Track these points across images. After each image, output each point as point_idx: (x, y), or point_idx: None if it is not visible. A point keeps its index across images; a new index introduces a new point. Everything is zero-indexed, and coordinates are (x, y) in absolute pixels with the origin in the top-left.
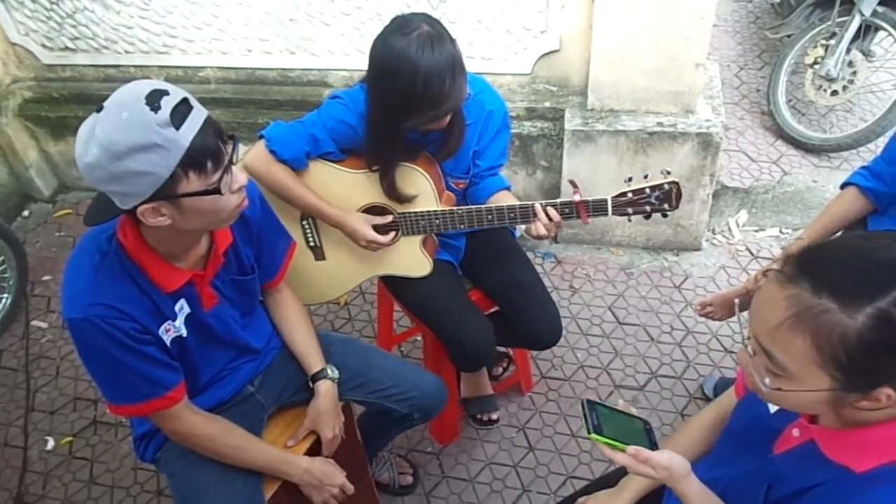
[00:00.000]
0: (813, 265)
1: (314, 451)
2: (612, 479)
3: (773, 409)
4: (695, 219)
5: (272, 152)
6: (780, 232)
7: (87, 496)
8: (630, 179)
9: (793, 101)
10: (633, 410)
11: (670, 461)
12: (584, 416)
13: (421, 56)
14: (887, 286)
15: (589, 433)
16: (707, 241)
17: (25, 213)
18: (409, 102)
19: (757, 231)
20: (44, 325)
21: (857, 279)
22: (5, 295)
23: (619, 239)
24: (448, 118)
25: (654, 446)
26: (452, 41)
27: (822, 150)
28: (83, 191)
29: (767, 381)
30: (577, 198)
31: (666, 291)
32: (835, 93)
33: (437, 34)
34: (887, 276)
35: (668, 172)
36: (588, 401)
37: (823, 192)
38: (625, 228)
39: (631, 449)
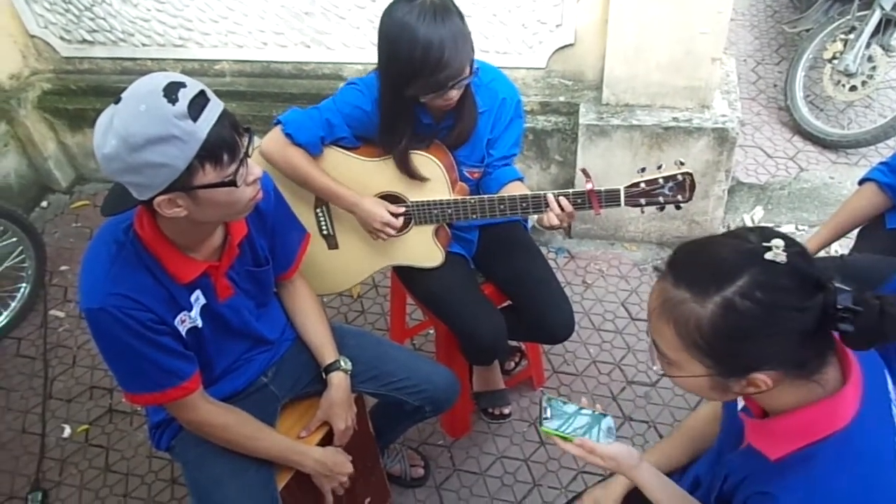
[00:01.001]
0: (677, 260)
1: (326, 442)
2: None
3: (740, 404)
4: (709, 215)
5: (288, 136)
6: (797, 229)
7: (103, 483)
8: (643, 170)
9: (810, 97)
10: (599, 407)
11: (616, 452)
12: (540, 410)
13: (421, 24)
14: (733, 276)
15: (540, 425)
16: None
17: (44, 203)
18: (409, 69)
19: (772, 227)
20: (61, 314)
21: (707, 270)
22: (24, 284)
23: (633, 234)
24: (455, 94)
25: (610, 440)
26: (459, 14)
27: (839, 146)
28: (100, 182)
29: (655, 367)
30: (589, 186)
31: None
32: (853, 88)
33: (441, 5)
34: (734, 266)
35: (682, 163)
36: (547, 397)
37: (841, 189)
38: (638, 224)
39: (577, 440)
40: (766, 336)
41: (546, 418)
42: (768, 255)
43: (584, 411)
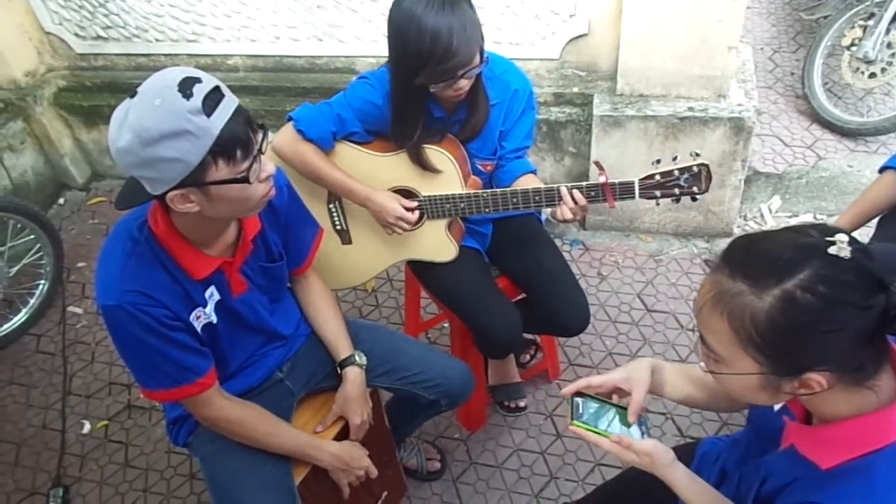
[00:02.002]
0: (733, 252)
1: (343, 436)
2: (637, 473)
3: (776, 406)
4: (726, 205)
5: (299, 132)
6: (815, 218)
7: (123, 478)
8: (658, 161)
9: (829, 84)
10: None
11: (652, 448)
12: (572, 406)
13: (429, 13)
14: (794, 269)
15: (571, 420)
16: (739, 227)
17: (61, 200)
18: (418, 59)
19: (790, 217)
20: (79, 310)
21: (767, 262)
22: (42, 281)
23: (648, 225)
24: (465, 83)
25: (644, 436)
26: (468, 1)
27: (858, 134)
28: (116, 179)
29: (703, 364)
30: (602, 179)
31: (696, 279)
32: (873, 75)
33: None
34: (795, 259)
35: (698, 154)
36: (578, 393)
37: (860, 178)
38: (654, 215)
39: (614, 436)
40: (825, 333)
41: (579, 414)
42: (832, 249)
43: (618, 408)
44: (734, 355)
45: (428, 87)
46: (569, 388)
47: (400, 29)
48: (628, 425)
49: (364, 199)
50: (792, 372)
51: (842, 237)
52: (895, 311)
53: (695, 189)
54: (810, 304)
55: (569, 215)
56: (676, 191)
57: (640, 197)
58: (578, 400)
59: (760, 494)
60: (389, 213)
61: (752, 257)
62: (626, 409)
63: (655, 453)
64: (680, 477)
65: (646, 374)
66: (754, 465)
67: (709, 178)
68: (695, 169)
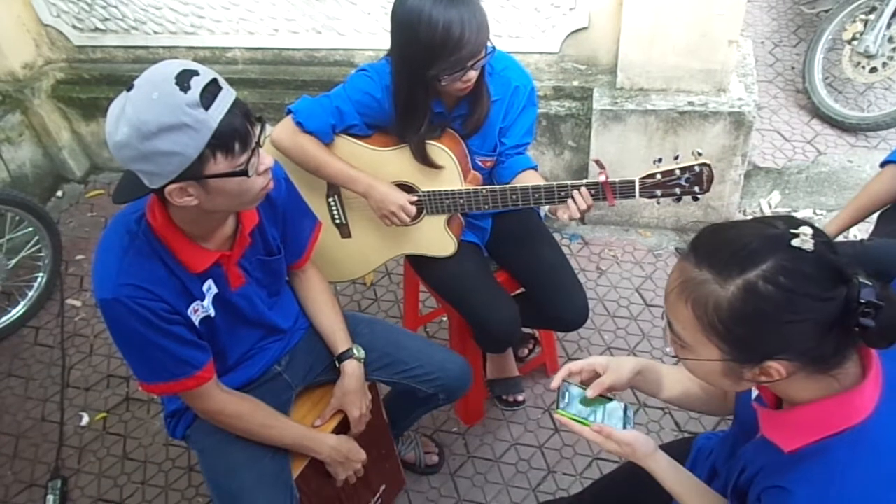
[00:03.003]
0: (700, 241)
1: (341, 430)
2: (634, 468)
3: (754, 393)
4: (725, 200)
5: (298, 124)
6: (814, 213)
7: (121, 471)
8: (660, 160)
9: (829, 79)
10: (616, 395)
11: (634, 439)
12: (559, 395)
13: (437, 6)
14: (757, 260)
15: (556, 408)
16: None
17: (59, 193)
18: (430, 53)
19: (790, 212)
20: (77, 303)
21: (731, 252)
22: (41, 274)
23: (648, 220)
24: (473, 74)
25: (627, 427)
26: None
27: (859, 129)
28: (114, 171)
29: (669, 349)
30: (602, 178)
31: None
32: (874, 70)
33: None
34: (759, 250)
35: (700, 153)
36: (567, 382)
37: (860, 173)
38: (653, 210)
39: (595, 425)
40: (786, 323)
41: (565, 402)
42: (795, 242)
43: (604, 399)
44: (698, 342)
45: (439, 79)
46: (556, 380)
47: (408, 23)
48: (619, 418)
49: (366, 187)
50: (753, 360)
51: (805, 230)
52: (855, 303)
53: (696, 189)
54: (771, 295)
55: (577, 215)
56: (677, 190)
57: (641, 196)
58: (566, 388)
59: (738, 484)
60: (392, 202)
61: (717, 247)
62: (611, 399)
63: (636, 443)
64: (662, 465)
65: (626, 368)
66: (734, 458)
67: (710, 178)
68: (696, 168)
